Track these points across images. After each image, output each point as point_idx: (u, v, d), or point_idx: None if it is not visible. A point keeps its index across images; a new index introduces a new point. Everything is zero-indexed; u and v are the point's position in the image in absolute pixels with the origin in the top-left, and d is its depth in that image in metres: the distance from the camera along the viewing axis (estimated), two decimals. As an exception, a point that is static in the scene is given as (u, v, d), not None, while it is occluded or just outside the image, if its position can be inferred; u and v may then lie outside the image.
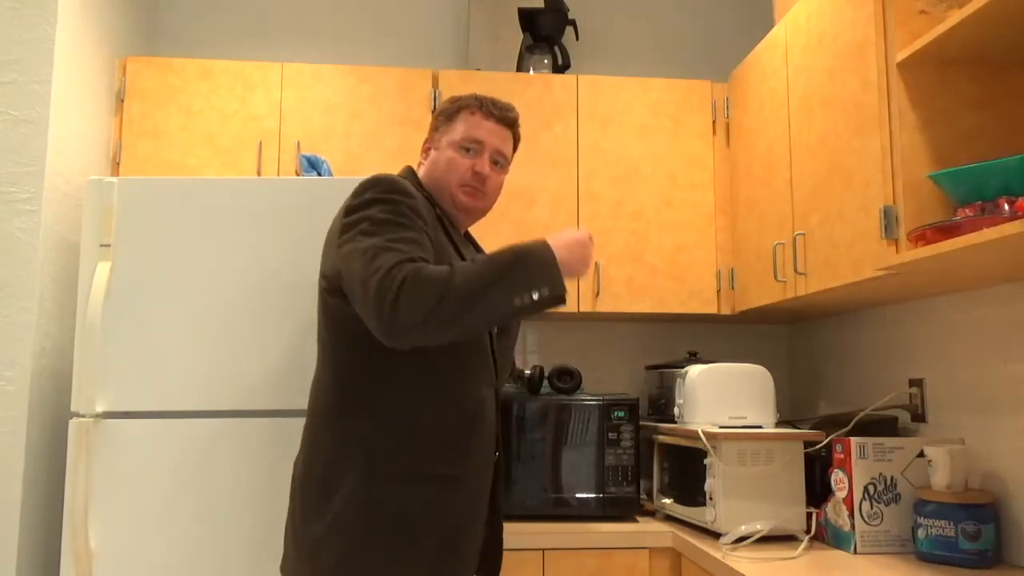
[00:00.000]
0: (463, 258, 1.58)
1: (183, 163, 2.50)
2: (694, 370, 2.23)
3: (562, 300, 1.40)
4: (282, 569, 1.56)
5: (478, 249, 1.82)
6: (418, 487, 1.47)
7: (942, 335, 2.03)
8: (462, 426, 1.52)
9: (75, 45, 2.24)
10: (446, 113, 1.69)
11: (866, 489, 1.91)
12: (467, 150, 1.65)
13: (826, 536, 2.01)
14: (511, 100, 2.60)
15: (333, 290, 1.51)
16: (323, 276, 1.55)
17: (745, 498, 2.02)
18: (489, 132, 1.66)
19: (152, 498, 1.91)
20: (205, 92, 2.54)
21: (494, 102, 1.69)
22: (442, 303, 1.32)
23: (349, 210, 1.50)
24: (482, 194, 1.66)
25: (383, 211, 1.46)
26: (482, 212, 1.70)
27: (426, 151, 1.72)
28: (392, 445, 1.47)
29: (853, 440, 1.93)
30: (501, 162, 1.69)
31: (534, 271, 1.38)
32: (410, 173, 1.68)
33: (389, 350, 1.46)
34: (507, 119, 1.70)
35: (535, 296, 1.37)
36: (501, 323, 1.40)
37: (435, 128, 1.71)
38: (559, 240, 1.45)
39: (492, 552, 1.66)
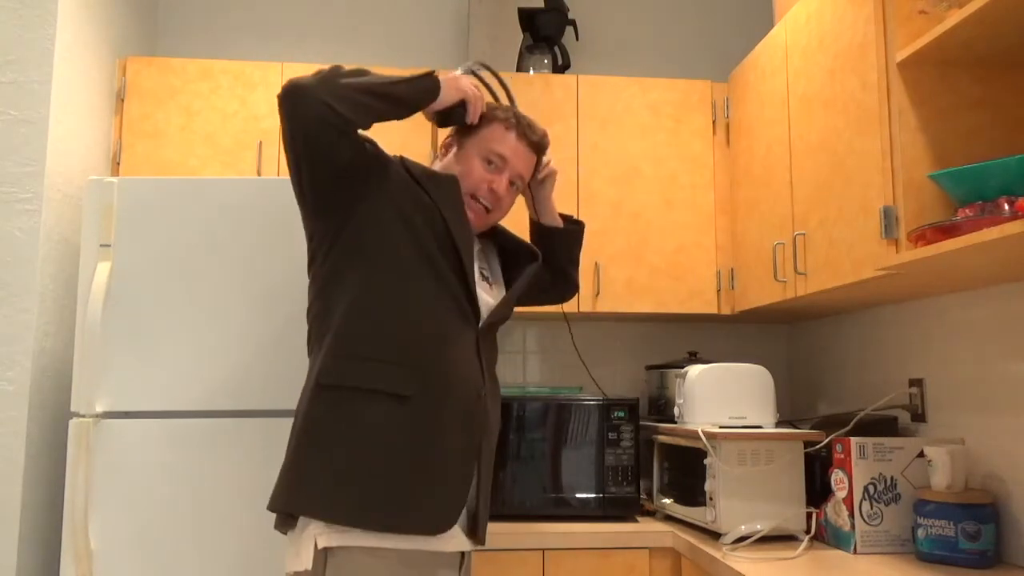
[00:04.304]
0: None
1: (183, 163, 2.50)
2: (694, 370, 2.22)
3: (434, 90, 1.56)
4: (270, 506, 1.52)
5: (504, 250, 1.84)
6: (371, 399, 1.45)
7: (942, 335, 2.03)
8: (421, 348, 1.48)
9: (75, 45, 2.24)
10: None
11: (866, 489, 1.91)
12: (490, 163, 1.64)
13: (826, 536, 2.01)
14: (511, 100, 2.60)
15: (313, 216, 1.56)
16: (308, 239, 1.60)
17: (745, 498, 2.02)
18: (517, 154, 1.66)
19: (152, 498, 1.91)
20: (205, 92, 2.54)
21: (530, 126, 1.68)
22: (326, 78, 1.45)
23: None
24: (487, 213, 1.66)
25: None
26: (482, 229, 1.70)
27: (446, 147, 1.71)
28: (350, 349, 1.48)
29: (853, 440, 1.93)
30: (518, 184, 1.69)
31: (412, 80, 1.55)
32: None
33: (361, 266, 1.50)
34: (538, 145, 1.70)
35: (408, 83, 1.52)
36: (384, 104, 1.51)
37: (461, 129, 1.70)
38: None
39: (477, 511, 1.58)
